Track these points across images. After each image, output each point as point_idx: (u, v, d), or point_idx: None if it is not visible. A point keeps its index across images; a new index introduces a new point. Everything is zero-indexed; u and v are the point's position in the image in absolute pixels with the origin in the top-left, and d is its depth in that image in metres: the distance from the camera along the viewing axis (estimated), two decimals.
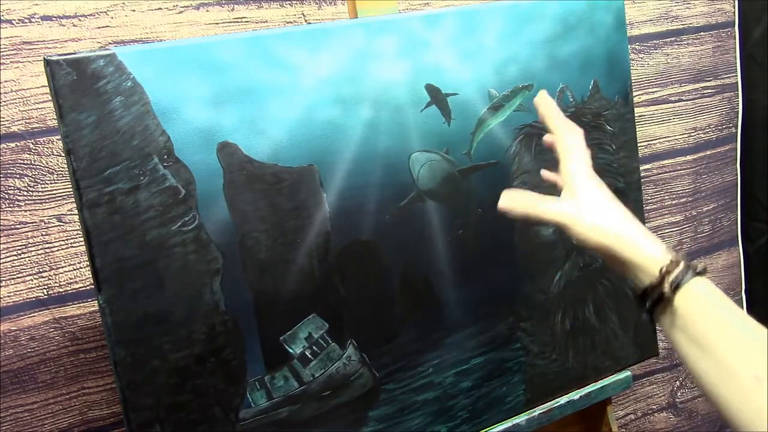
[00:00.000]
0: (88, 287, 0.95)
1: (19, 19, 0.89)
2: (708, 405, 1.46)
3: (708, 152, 1.38)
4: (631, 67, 1.21)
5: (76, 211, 0.78)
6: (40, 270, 0.93)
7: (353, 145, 0.76)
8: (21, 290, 0.93)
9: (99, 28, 0.93)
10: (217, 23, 0.99)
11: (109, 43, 0.93)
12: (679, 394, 1.44)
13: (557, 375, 0.92)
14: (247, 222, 0.71)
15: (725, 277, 1.45)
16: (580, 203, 0.64)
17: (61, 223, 0.93)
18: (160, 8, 0.95)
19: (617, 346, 0.97)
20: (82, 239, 0.84)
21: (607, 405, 1.00)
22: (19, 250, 0.92)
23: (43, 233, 0.93)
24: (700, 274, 0.59)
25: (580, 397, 0.94)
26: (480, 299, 0.85)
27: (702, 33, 1.33)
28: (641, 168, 1.20)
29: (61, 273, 0.94)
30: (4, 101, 0.89)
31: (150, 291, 0.66)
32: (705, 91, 1.36)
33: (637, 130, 0.96)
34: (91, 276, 0.74)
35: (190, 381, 0.69)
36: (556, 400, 0.92)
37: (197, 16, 0.97)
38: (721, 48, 1.35)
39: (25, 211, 0.92)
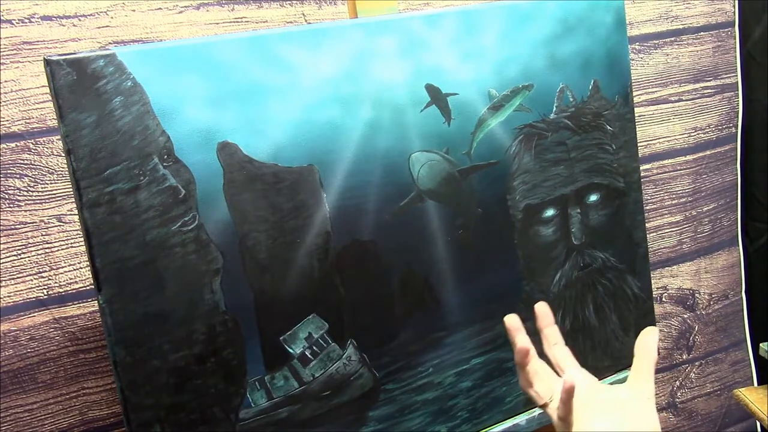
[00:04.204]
0: (88, 287, 0.95)
1: (19, 19, 0.89)
2: (708, 405, 1.46)
3: (708, 152, 1.38)
4: (631, 67, 1.21)
5: (76, 211, 0.78)
6: (40, 270, 0.93)
7: (353, 145, 0.76)
8: (21, 290, 0.93)
9: (99, 28, 0.93)
10: (217, 23, 0.99)
11: (109, 43, 0.93)
12: (678, 394, 1.43)
13: None
14: (247, 222, 0.71)
15: (725, 277, 1.44)
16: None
17: (61, 223, 0.93)
18: (160, 8, 0.95)
19: (617, 346, 0.97)
20: (82, 239, 0.84)
21: None
22: (19, 250, 0.92)
23: (43, 233, 0.93)
24: None
25: None
26: (480, 299, 0.85)
27: (702, 33, 1.33)
28: (641, 168, 1.20)
29: (61, 273, 0.94)
30: (4, 101, 0.89)
31: (150, 291, 0.66)
32: (705, 91, 1.36)
33: (637, 130, 0.96)
34: (91, 276, 0.74)
35: (190, 381, 0.69)
36: None
37: (197, 16, 0.97)
38: (721, 48, 1.35)
39: (25, 211, 0.92)
